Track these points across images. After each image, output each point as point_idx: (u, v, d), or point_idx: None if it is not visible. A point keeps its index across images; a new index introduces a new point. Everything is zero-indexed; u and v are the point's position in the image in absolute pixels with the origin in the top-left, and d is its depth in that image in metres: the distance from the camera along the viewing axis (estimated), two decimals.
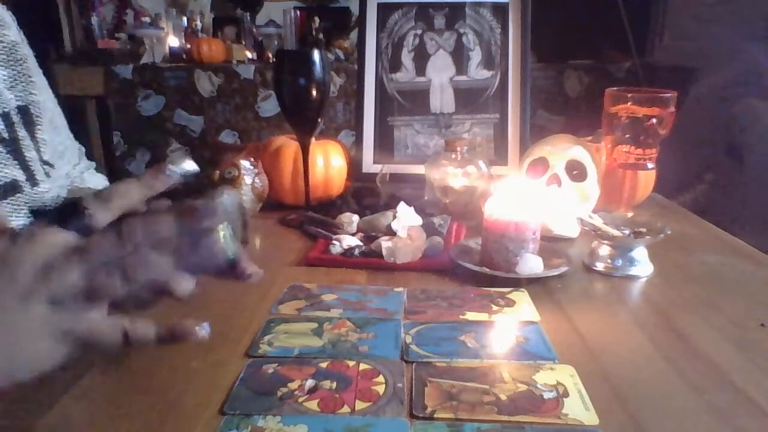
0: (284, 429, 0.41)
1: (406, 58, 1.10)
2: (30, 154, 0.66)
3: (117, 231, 0.37)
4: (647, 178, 0.92)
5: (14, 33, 0.69)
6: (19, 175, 0.64)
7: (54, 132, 0.73)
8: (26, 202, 0.64)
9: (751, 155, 1.88)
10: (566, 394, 0.45)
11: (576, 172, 0.83)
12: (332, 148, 0.98)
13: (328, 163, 0.96)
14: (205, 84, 2.73)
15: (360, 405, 0.44)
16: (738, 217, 1.71)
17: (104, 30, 3.08)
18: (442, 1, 1.10)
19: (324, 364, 0.49)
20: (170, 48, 2.88)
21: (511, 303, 0.61)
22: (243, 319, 0.57)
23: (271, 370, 0.48)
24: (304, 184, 0.90)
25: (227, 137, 2.79)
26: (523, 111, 1.08)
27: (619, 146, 0.88)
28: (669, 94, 0.85)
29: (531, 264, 0.66)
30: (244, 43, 2.96)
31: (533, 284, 0.66)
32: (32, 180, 0.66)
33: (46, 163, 0.69)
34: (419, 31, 1.10)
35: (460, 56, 1.10)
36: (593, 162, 0.83)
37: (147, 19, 3.03)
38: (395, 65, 1.10)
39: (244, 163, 0.89)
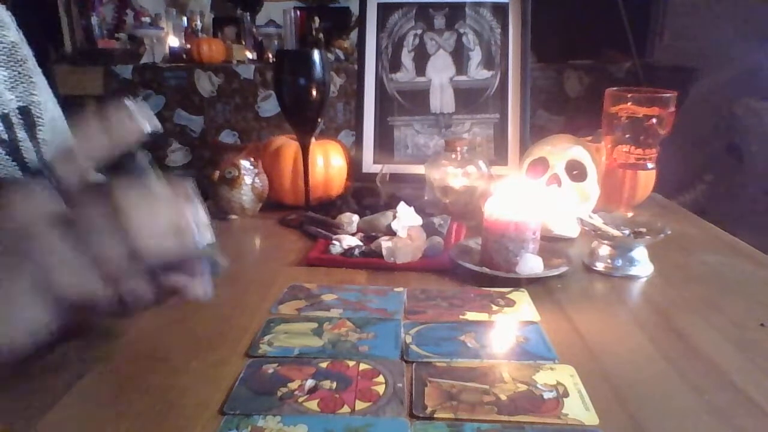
0: (284, 429, 0.41)
1: (406, 58, 1.10)
2: (30, 155, 0.66)
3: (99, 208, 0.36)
4: (647, 178, 0.92)
5: (14, 33, 0.69)
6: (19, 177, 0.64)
7: (54, 133, 0.73)
8: None
9: (751, 155, 1.88)
10: (566, 394, 0.45)
11: (576, 172, 0.83)
12: (332, 148, 0.98)
13: (328, 163, 0.96)
14: (205, 84, 2.73)
15: (360, 405, 0.44)
16: (738, 217, 1.71)
17: (104, 30, 3.09)
18: (442, 1, 1.10)
19: (324, 364, 0.49)
20: (170, 48, 2.89)
21: (511, 303, 0.61)
22: (243, 319, 0.57)
23: (271, 370, 0.48)
24: (304, 184, 0.90)
25: (227, 137, 2.79)
26: (523, 111, 1.08)
27: (619, 146, 0.88)
28: (669, 94, 0.85)
29: (531, 264, 0.66)
30: (244, 43, 2.96)
31: (533, 284, 0.66)
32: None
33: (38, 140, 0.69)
34: (419, 31, 1.10)
35: (460, 56, 1.10)
36: (593, 162, 0.83)
37: (147, 19, 3.03)
38: (395, 65, 1.10)
39: (244, 163, 0.89)
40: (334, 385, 0.46)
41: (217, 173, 0.89)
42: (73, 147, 0.38)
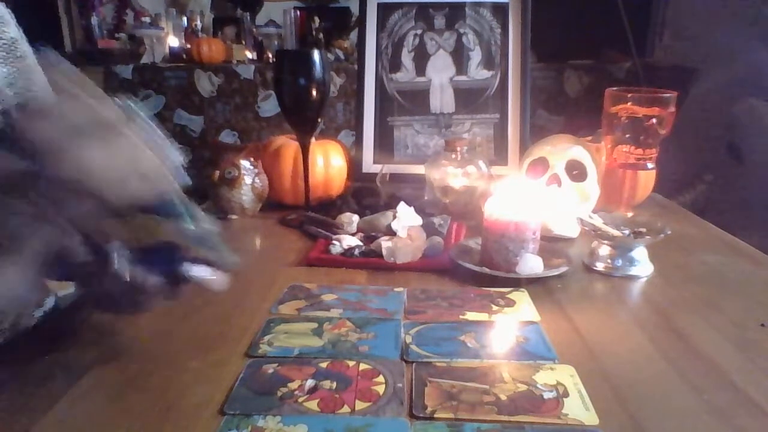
0: (284, 429, 0.41)
1: (406, 58, 1.10)
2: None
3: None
4: (647, 178, 0.92)
5: (13, 30, 0.69)
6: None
7: None
8: None
9: (751, 155, 1.88)
10: (566, 394, 0.45)
11: (576, 172, 0.83)
12: (332, 148, 0.98)
13: (328, 163, 0.96)
14: (205, 84, 2.73)
15: (360, 405, 0.44)
16: (738, 217, 1.71)
17: (104, 30, 3.08)
18: (442, 1, 1.10)
19: (324, 364, 0.49)
20: (170, 48, 2.89)
21: (511, 303, 0.61)
22: (243, 319, 0.57)
23: (271, 370, 0.48)
24: (304, 184, 0.90)
25: (227, 137, 2.79)
26: (523, 111, 1.08)
27: (619, 146, 0.88)
28: (669, 94, 0.85)
29: (531, 264, 0.66)
30: (244, 43, 2.96)
31: (533, 284, 0.66)
32: None
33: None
34: (419, 31, 1.10)
35: (460, 56, 1.10)
36: (593, 162, 0.83)
37: (147, 19, 3.03)
38: (395, 65, 1.10)
39: (244, 163, 0.89)
40: (334, 385, 0.46)
41: (217, 173, 0.89)
42: (53, 110, 0.37)
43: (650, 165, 0.88)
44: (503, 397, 0.44)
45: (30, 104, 0.37)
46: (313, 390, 0.45)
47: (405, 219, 0.76)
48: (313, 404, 0.44)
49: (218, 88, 2.74)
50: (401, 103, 1.10)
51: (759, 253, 0.77)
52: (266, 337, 0.54)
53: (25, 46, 0.70)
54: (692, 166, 1.99)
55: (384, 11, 1.11)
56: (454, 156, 0.90)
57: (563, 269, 0.68)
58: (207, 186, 0.91)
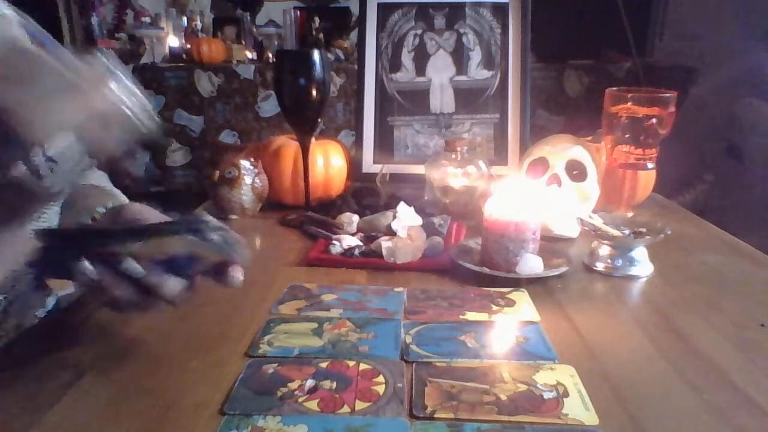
0: (284, 429, 0.41)
1: (406, 58, 1.10)
2: (33, 150, 0.66)
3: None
4: (647, 178, 0.92)
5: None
6: (23, 171, 0.64)
7: None
8: None
9: (751, 155, 1.88)
10: (566, 394, 0.45)
11: (576, 172, 0.83)
12: (332, 148, 0.98)
13: (328, 163, 0.96)
14: (205, 84, 2.73)
15: (360, 405, 0.44)
16: (738, 217, 1.72)
17: (104, 30, 3.09)
18: (442, 1, 1.10)
19: (324, 364, 0.49)
20: (170, 48, 2.89)
21: (511, 303, 0.61)
22: (243, 319, 0.57)
23: (271, 370, 0.48)
24: (304, 184, 0.90)
25: (227, 137, 2.79)
26: (523, 111, 1.08)
27: (619, 146, 0.88)
28: (669, 94, 0.85)
29: (531, 264, 0.66)
30: (244, 43, 2.96)
31: (533, 284, 0.66)
32: (36, 176, 0.66)
33: (50, 159, 0.69)
34: (419, 31, 1.10)
35: (460, 56, 1.10)
36: (593, 162, 0.83)
37: (147, 19, 3.03)
38: (395, 65, 1.10)
39: (244, 163, 0.89)
40: (334, 385, 0.46)
41: (217, 173, 0.89)
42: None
43: (650, 165, 0.88)
44: (503, 397, 0.44)
45: None
46: (313, 390, 0.45)
47: (405, 219, 0.76)
48: (313, 404, 0.44)
49: (218, 88, 2.74)
50: (401, 103, 1.10)
51: (759, 253, 0.77)
52: (266, 337, 0.54)
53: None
54: (692, 166, 1.99)
55: (384, 11, 1.11)
56: (454, 156, 0.90)
57: (563, 269, 0.68)
58: (207, 186, 0.91)
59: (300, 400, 0.44)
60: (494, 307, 0.60)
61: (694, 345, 0.53)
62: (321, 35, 2.89)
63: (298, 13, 2.86)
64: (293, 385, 0.46)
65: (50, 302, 0.75)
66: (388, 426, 0.42)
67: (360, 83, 1.10)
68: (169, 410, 0.43)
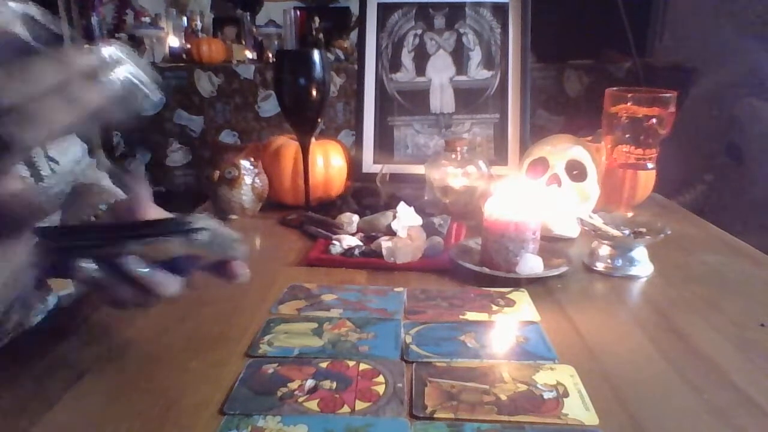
0: (284, 429, 0.41)
1: (406, 58, 1.10)
2: (34, 149, 0.66)
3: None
4: (647, 178, 0.92)
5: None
6: (24, 171, 0.64)
7: None
8: None
9: (751, 155, 1.88)
10: (566, 394, 0.45)
11: (576, 172, 0.83)
12: (332, 148, 0.98)
13: (328, 163, 0.96)
14: (205, 84, 2.73)
15: (360, 405, 0.44)
16: (738, 217, 1.72)
17: (104, 30, 3.08)
18: (442, 1, 1.10)
19: (324, 364, 0.49)
20: (170, 48, 2.89)
21: (511, 303, 0.61)
22: (243, 319, 0.57)
23: (271, 370, 0.48)
24: (304, 184, 0.90)
25: (227, 137, 2.79)
26: (523, 111, 1.08)
27: (619, 146, 0.88)
28: (669, 94, 0.85)
29: (531, 264, 0.66)
30: (244, 43, 2.96)
31: (533, 284, 0.66)
32: (37, 176, 0.66)
33: (51, 159, 0.69)
34: (419, 31, 1.10)
35: (460, 56, 1.10)
36: (593, 162, 0.83)
37: (147, 19, 3.03)
38: (395, 65, 1.10)
39: (244, 163, 0.89)
40: (334, 385, 0.46)
41: (217, 173, 0.89)
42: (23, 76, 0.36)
43: (650, 165, 0.88)
44: (503, 397, 0.44)
45: None
46: (313, 390, 0.45)
47: (405, 219, 0.76)
48: (313, 404, 0.44)
49: (218, 88, 2.75)
50: (401, 103, 1.10)
51: (759, 253, 0.77)
52: (266, 337, 0.54)
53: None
54: (692, 166, 1.99)
55: (384, 11, 1.11)
56: (454, 156, 0.90)
57: (563, 269, 0.68)
58: (207, 186, 0.91)
59: (300, 400, 0.44)
60: (494, 307, 0.60)
61: (694, 345, 0.53)
62: (321, 35, 2.89)
63: (298, 13, 2.86)
64: (293, 385, 0.46)
65: (51, 302, 0.75)
66: (388, 426, 0.42)
67: (360, 83, 1.10)
68: (169, 410, 0.44)
